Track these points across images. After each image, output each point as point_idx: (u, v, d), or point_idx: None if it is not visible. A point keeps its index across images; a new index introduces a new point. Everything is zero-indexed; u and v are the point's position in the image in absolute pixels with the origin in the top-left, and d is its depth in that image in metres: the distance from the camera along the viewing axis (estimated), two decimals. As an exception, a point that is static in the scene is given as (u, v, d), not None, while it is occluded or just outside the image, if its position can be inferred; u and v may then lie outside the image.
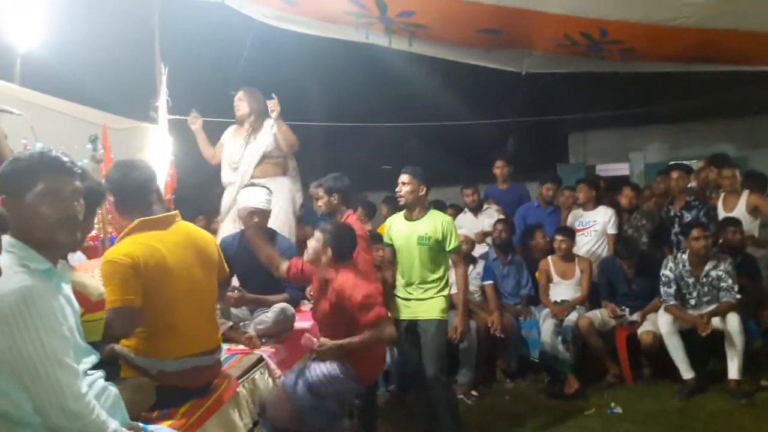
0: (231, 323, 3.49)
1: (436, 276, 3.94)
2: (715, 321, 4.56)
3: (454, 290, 4.17)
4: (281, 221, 4.53)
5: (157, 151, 4.87)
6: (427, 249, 3.90)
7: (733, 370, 4.46)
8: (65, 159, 1.84)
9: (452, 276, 4.15)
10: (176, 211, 2.67)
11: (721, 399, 4.45)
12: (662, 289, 4.83)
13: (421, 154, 8.39)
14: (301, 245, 4.77)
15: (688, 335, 4.66)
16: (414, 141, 10.52)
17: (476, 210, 6.09)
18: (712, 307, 4.67)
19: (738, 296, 4.60)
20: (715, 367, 4.77)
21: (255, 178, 4.51)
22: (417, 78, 8.02)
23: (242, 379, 2.90)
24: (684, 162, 6.68)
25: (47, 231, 1.78)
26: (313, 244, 3.27)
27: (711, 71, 5.70)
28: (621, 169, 11.67)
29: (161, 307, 2.39)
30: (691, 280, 4.77)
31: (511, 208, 6.18)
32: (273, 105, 4.59)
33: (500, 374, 5.20)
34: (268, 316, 3.50)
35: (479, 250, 5.73)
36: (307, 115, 4.67)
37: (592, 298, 5.30)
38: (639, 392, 4.73)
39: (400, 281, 4.06)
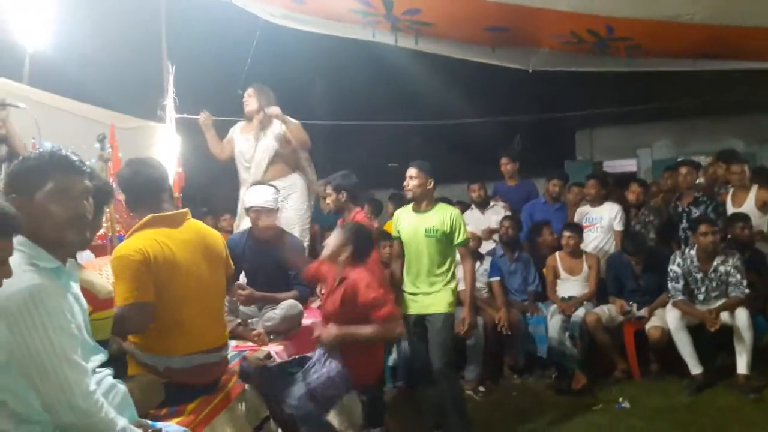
0: (239, 320, 3.51)
1: (443, 269, 3.94)
2: (724, 316, 4.54)
3: (461, 286, 4.17)
4: (293, 221, 4.54)
5: (164, 150, 4.89)
6: (435, 241, 3.91)
7: (742, 366, 4.43)
8: (75, 158, 1.85)
9: (459, 271, 4.15)
10: (186, 209, 2.69)
11: (729, 394, 4.43)
12: (670, 285, 4.81)
13: (428, 152, 8.38)
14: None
15: (697, 331, 4.64)
16: (420, 139, 10.53)
17: (483, 206, 6.09)
18: (721, 302, 4.65)
19: (746, 291, 4.57)
20: (723, 362, 4.74)
21: (267, 179, 4.48)
22: (423, 76, 8.02)
23: (250, 376, 2.91)
24: (692, 158, 6.65)
25: (57, 230, 1.79)
26: (333, 242, 3.25)
27: (718, 69, 5.67)
28: (628, 165, 11.63)
29: (170, 303, 2.40)
30: (699, 276, 4.75)
31: (519, 205, 6.17)
32: (272, 110, 4.58)
33: (507, 370, 5.20)
34: (276, 313, 3.52)
35: (486, 246, 5.73)
36: (312, 113, 4.68)
37: (599, 294, 5.28)
38: (647, 388, 4.71)
39: (407, 275, 4.07)
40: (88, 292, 2.09)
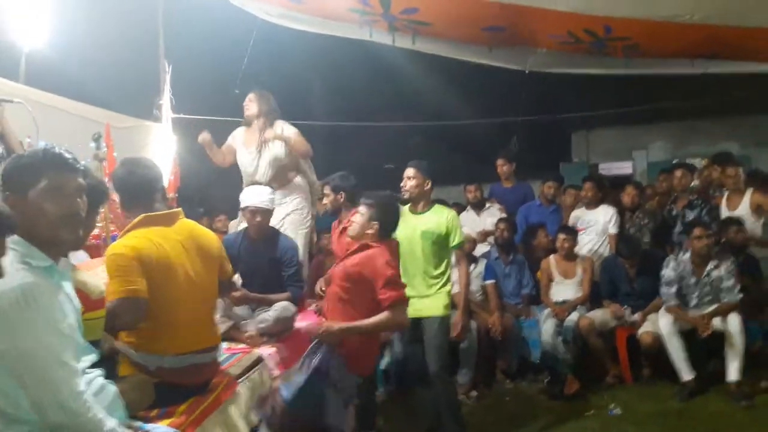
0: (232, 322, 3.51)
1: (438, 271, 3.93)
2: (716, 321, 4.55)
3: (455, 289, 4.17)
4: (296, 223, 4.54)
5: (160, 150, 4.89)
6: (431, 243, 3.90)
7: (734, 372, 4.44)
8: (68, 156, 1.86)
9: (454, 274, 4.15)
10: (179, 209, 2.69)
11: (721, 400, 4.44)
12: (663, 289, 4.81)
13: (424, 153, 8.39)
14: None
15: (689, 336, 4.65)
16: (417, 140, 10.54)
17: (479, 207, 6.10)
18: (713, 307, 4.66)
19: (739, 297, 4.59)
20: (715, 368, 4.75)
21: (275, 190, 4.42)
22: (420, 77, 8.02)
23: (242, 378, 2.91)
24: (687, 161, 6.67)
25: (50, 228, 1.79)
26: (359, 218, 3.14)
27: (714, 71, 5.68)
28: (624, 167, 11.64)
29: (162, 302, 2.40)
30: (692, 280, 4.75)
31: (515, 207, 6.17)
32: (268, 134, 4.51)
33: (500, 374, 5.20)
34: (269, 314, 3.52)
35: (481, 249, 5.73)
36: (309, 114, 4.68)
37: (593, 298, 5.29)
38: (639, 393, 4.72)
39: (402, 277, 4.05)
40: (81, 292, 2.09)
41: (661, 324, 4.72)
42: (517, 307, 5.39)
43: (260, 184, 4.50)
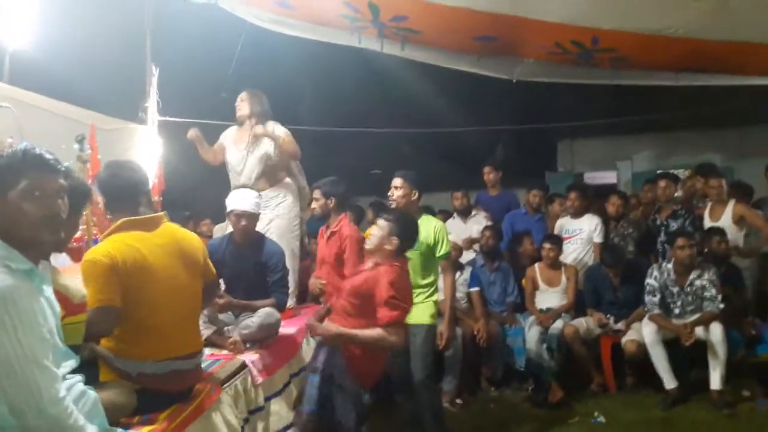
0: (215, 328, 3.47)
1: (426, 281, 3.92)
2: (699, 330, 4.59)
3: (441, 297, 4.16)
4: (283, 227, 4.51)
5: (145, 153, 4.84)
6: (419, 254, 3.88)
7: (716, 380, 4.49)
8: (49, 156, 1.83)
9: (440, 283, 4.14)
10: (163, 213, 2.66)
11: (703, 409, 4.48)
12: (647, 298, 4.85)
13: (412, 160, 8.43)
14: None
15: (672, 344, 4.68)
16: (404, 146, 10.55)
17: (465, 214, 6.11)
18: (696, 316, 4.70)
19: (721, 306, 4.63)
20: (698, 376, 4.79)
21: (261, 189, 4.43)
22: (408, 84, 8.04)
23: (225, 385, 2.88)
24: (671, 171, 6.73)
25: (31, 229, 1.76)
26: (377, 232, 3.13)
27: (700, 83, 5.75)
28: (608, 177, 11.74)
29: (142, 308, 2.37)
30: (675, 289, 4.80)
31: (500, 215, 6.19)
32: (257, 130, 4.53)
33: (485, 382, 5.20)
34: (253, 321, 3.49)
35: (466, 256, 5.74)
36: (297, 119, 4.67)
37: (577, 306, 5.32)
38: (622, 401, 4.75)
39: None
40: (62, 295, 2.06)
41: (645, 332, 4.75)
42: (502, 314, 5.40)
43: (248, 183, 4.52)
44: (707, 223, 5.37)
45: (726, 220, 5.26)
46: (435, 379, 4.16)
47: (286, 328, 3.82)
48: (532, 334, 5.01)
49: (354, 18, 5.10)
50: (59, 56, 5.46)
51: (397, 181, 3.96)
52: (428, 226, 3.93)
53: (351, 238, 4.07)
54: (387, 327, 2.92)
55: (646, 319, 4.84)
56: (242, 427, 2.89)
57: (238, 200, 3.82)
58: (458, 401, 4.85)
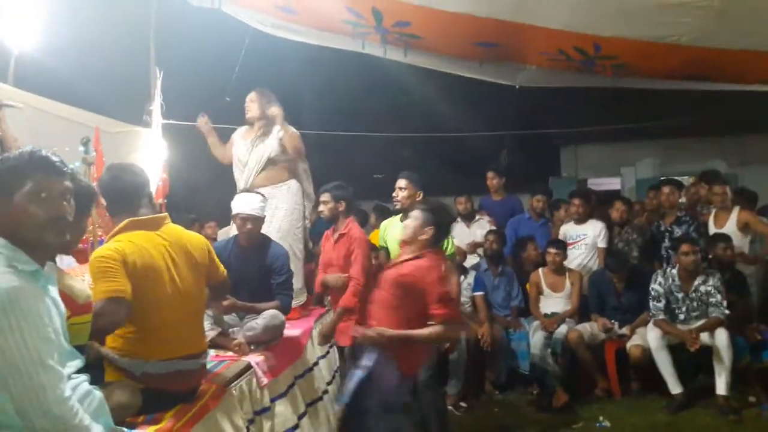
0: (220, 329, 3.47)
1: None
2: (704, 336, 4.58)
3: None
4: (285, 228, 4.51)
5: (149, 156, 4.84)
6: None
7: (721, 386, 4.47)
8: (54, 158, 1.83)
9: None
10: (165, 213, 2.66)
11: (708, 415, 4.46)
12: (651, 304, 4.85)
13: (416, 164, 8.40)
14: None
15: (677, 350, 4.67)
16: (408, 151, 10.55)
17: (469, 218, 6.11)
18: (701, 322, 4.69)
19: (726, 312, 4.62)
20: (703, 382, 4.78)
21: (259, 183, 4.46)
22: (412, 88, 8.06)
23: (230, 385, 2.87)
24: (675, 178, 6.73)
25: (36, 231, 1.76)
26: (412, 223, 3.08)
27: (702, 89, 5.76)
28: (612, 183, 11.74)
29: (147, 307, 2.37)
30: (680, 295, 4.78)
31: (504, 220, 6.20)
32: (273, 110, 4.57)
33: (489, 386, 5.19)
34: (257, 322, 3.48)
35: (470, 260, 5.74)
36: (300, 123, 4.66)
37: (581, 311, 5.31)
38: (627, 406, 4.73)
39: None
40: (67, 296, 2.05)
41: (650, 338, 4.74)
42: (506, 318, 5.39)
43: (249, 177, 4.52)
44: (711, 229, 5.37)
45: (731, 226, 5.26)
46: (439, 381, 4.16)
47: (291, 330, 3.82)
48: (537, 339, 5.00)
49: (357, 24, 5.11)
50: (64, 59, 5.48)
51: (401, 182, 3.99)
52: None
53: (360, 239, 4.13)
54: (445, 323, 2.88)
55: (651, 324, 4.83)
56: (247, 428, 2.88)
57: (243, 203, 3.82)
58: (462, 404, 4.84)
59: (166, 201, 4.59)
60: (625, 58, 5.05)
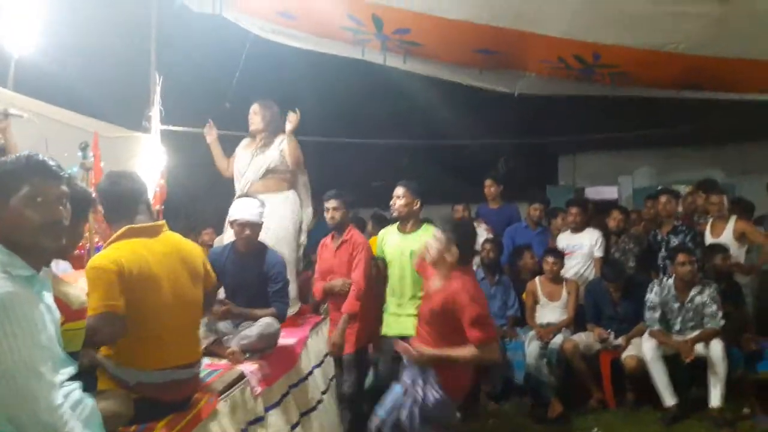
0: (214, 337, 3.46)
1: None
2: (699, 347, 4.57)
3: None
4: (280, 236, 4.51)
5: (148, 161, 4.85)
6: None
7: (716, 398, 4.46)
8: (51, 163, 1.83)
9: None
10: (163, 221, 2.66)
11: (703, 427, 4.45)
12: (647, 314, 4.84)
13: (413, 172, 8.42)
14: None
15: (672, 360, 4.66)
16: (406, 158, 10.56)
17: (466, 227, 6.11)
18: (696, 332, 4.68)
19: (722, 323, 4.62)
20: (697, 393, 4.76)
21: (257, 191, 4.45)
22: (411, 96, 8.06)
23: (223, 395, 2.86)
24: (672, 187, 6.74)
25: (32, 235, 1.76)
26: (435, 243, 3.08)
27: (701, 98, 5.77)
28: (610, 192, 11.73)
29: (144, 316, 2.36)
30: (676, 305, 4.78)
31: (501, 228, 6.20)
32: (293, 118, 4.58)
33: (484, 396, 5.16)
34: (252, 330, 3.47)
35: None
36: (299, 129, 4.67)
37: (577, 321, 5.30)
38: (622, 417, 4.72)
39: (390, 296, 4.06)
40: (62, 302, 2.05)
41: (645, 348, 4.73)
42: (502, 328, 5.37)
43: (246, 185, 4.52)
44: (708, 239, 5.37)
45: (727, 236, 5.26)
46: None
47: (286, 339, 3.81)
48: (532, 349, 4.99)
49: (357, 30, 5.13)
50: (64, 64, 5.49)
51: (399, 191, 3.99)
52: (429, 235, 3.94)
53: (363, 245, 4.17)
54: (480, 347, 2.88)
55: (646, 335, 4.82)
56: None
57: (241, 209, 3.81)
58: (457, 415, 4.82)
59: (163, 207, 4.59)
60: (624, 66, 5.07)
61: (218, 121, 5.06)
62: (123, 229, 2.45)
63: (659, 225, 5.65)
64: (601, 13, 4.22)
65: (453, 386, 3.03)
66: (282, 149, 4.61)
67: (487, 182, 6.44)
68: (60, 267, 2.74)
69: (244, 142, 4.87)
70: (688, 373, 4.71)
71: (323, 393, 4.19)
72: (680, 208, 5.96)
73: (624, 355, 4.89)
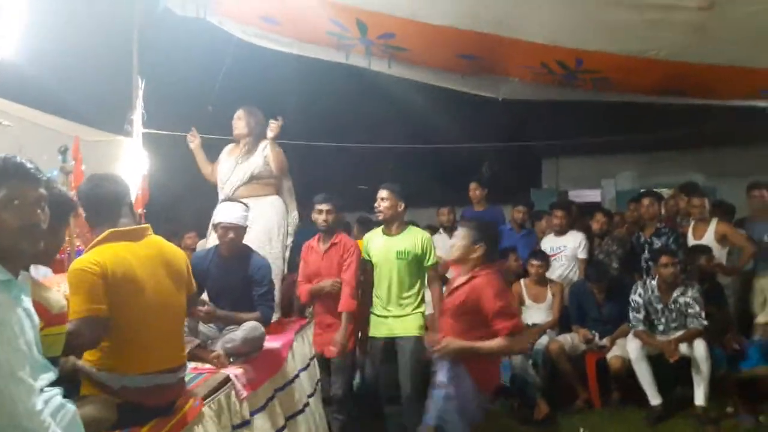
0: (198, 341, 3.43)
1: (412, 292, 3.99)
2: (682, 347, 4.62)
3: (429, 309, 4.17)
4: (263, 240, 4.48)
5: (130, 165, 4.80)
6: (406, 264, 3.95)
7: (700, 397, 4.51)
8: (29, 165, 1.80)
9: (427, 295, 4.15)
10: (147, 225, 2.63)
11: (687, 425, 4.50)
12: (631, 315, 4.88)
13: (398, 175, 8.40)
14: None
15: (656, 360, 4.71)
16: (391, 162, 10.55)
17: (451, 230, 6.12)
18: (680, 333, 4.73)
19: (705, 323, 4.66)
20: (682, 393, 4.81)
21: (242, 196, 4.41)
22: (396, 100, 8.08)
23: (208, 399, 2.83)
24: (654, 190, 6.82)
25: (9, 238, 1.73)
26: (460, 242, 3.14)
27: (682, 103, 5.84)
28: (592, 195, 11.84)
29: (128, 319, 2.33)
30: (659, 306, 4.83)
31: (485, 231, 6.20)
32: (274, 126, 4.56)
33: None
34: (237, 334, 3.44)
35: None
36: (283, 133, 4.64)
37: (562, 323, 5.33)
38: (608, 417, 4.75)
39: (376, 298, 4.06)
40: (41, 306, 2.01)
41: (630, 349, 4.77)
42: (487, 330, 5.38)
43: (230, 190, 4.48)
44: (690, 241, 5.43)
45: (709, 238, 5.33)
46: (423, 391, 4.14)
47: (271, 342, 3.78)
48: (518, 350, 5.00)
49: (342, 35, 5.13)
50: (44, 67, 5.40)
51: (383, 193, 4.00)
52: (416, 237, 3.98)
53: (354, 247, 4.18)
54: (508, 336, 2.94)
55: (630, 335, 4.86)
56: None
57: (225, 212, 3.78)
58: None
59: (145, 211, 4.54)
60: (606, 72, 5.12)
61: (201, 126, 5.03)
62: (106, 232, 2.42)
63: (642, 227, 5.70)
64: (583, 20, 4.25)
65: (483, 379, 3.09)
66: (266, 155, 4.59)
67: (472, 185, 6.47)
68: (41, 272, 2.70)
69: (228, 148, 4.84)
70: (672, 373, 4.75)
71: (309, 396, 4.17)
72: (663, 211, 6.02)
73: (609, 355, 4.93)
